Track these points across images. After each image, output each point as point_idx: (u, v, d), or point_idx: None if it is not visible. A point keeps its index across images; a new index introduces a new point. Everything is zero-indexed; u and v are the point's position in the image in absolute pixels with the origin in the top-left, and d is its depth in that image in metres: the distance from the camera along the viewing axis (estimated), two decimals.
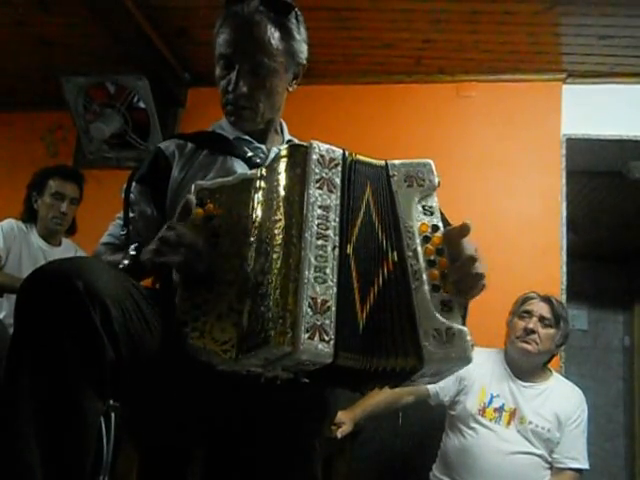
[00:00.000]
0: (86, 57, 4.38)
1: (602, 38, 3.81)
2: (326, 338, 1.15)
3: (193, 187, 1.44)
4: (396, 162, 1.41)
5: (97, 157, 4.67)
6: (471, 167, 4.12)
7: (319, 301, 1.17)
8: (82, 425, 1.16)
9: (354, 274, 1.25)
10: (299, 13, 1.77)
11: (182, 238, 1.33)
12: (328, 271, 1.20)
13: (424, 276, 1.27)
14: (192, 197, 1.40)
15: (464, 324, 1.26)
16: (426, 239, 1.31)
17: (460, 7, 3.66)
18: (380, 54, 4.20)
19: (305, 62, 1.83)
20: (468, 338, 1.22)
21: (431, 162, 1.41)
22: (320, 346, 1.14)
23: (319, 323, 1.15)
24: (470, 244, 1.31)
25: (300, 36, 1.77)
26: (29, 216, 3.86)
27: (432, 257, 1.29)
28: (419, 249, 1.30)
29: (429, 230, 1.33)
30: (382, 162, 1.40)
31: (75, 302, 1.13)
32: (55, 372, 1.13)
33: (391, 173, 1.38)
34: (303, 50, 1.80)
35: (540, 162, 4.09)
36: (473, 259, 1.28)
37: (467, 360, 1.23)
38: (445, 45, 4.04)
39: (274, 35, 1.70)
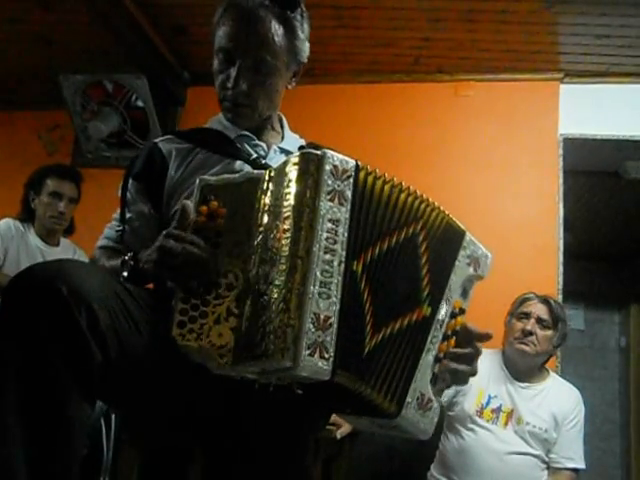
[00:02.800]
0: (84, 55, 4.36)
1: (599, 38, 3.82)
2: (326, 355, 1.15)
3: (197, 181, 1.40)
4: (472, 237, 1.45)
5: (95, 156, 4.65)
6: (468, 166, 4.13)
7: (322, 317, 1.16)
8: (69, 429, 1.15)
9: (366, 295, 1.26)
10: (304, 9, 1.72)
11: (186, 250, 1.30)
12: (333, 287, 1.19)
13: (437, 345, 1.35)
14: (189, 202, 1.36)
15: None
16: (453, 315, 1.39)
17: (458, 6, 3.66)
18: (378, 53, 4.20)
19: (306, 61, 1.78)
20: (437, 418, 1.34)
21: (491, 256, 1.48)
22: (320, 363, 1.15)
23: (320, 340, 1.15)
24: (480, 346, 1.42)
25: (303, 34, 1.72)
26: (27, 215, 3.84)
27: (449, 333, 1.37)
28: (447, 320, 1.37)
29: (458, 310, 1.40)
30: (463, 228, 1.44)
31: (59, 306, 1.12)
32: (40, 376, 1.12)
33: (464, 244, 1.43)
34: (305, 49, 1.75)
35: (537, 162, 4.10)
36: (477, 354, 1.40)
37: (426, 435, 1.35)
38: (443, 44, 4.04)
39: (278, 32, 1.65)
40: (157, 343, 1.30)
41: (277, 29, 1.65)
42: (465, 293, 1.43)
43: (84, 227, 3.91)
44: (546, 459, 2.92)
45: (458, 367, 1.38)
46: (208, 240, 1.33)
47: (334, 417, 2.68)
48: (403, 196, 1.36)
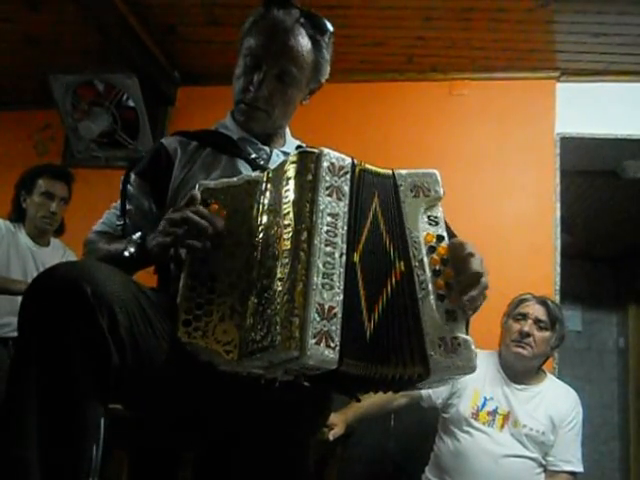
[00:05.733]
0: (75, 55, 4.36)
1: (596, 36, 3.79)
2: (332, 344, 1.17)
3: (197, 186, 1.45)
4: (403, 172, 1.42)
5: (86, 156, 4.64)
6: (464, 166, 4.09)
7: (326, 307, 1.18)
8: (84, 430, 1.17)
9: (360, 282, 1.27)
10: (332, 35, 1.81)
11: (188, 215, 1.34)
12: (335, 278, 1.22)
13: (430, 286, 1.30)
14: (197, 192, 1.42)
15: (467, 333, 1.30)
16: (432, 249, 1.34)
17: (452, 4, 3.64)
18: (371, 52, 4.17)
19: (324, 82, 1.86)
20: (473, 347, 1.26)
21: (437, 173, 1.43)
22: (326, 352, 1.16)
23: (326, 329, 1.17)
24: (476, 256, 1.33)
25: (328, 56, 1.82)
26: (17, 216, 3.81)
27: (437, 267, 1.33)
28: (425, 259, 1.33)
29: (434, 240, 1.35)
30: (389, 171, 1.42)
31: (83, 307, 1.14)
32: (60, 376, 1.14)
33: (398, 183, 1.40)
34: (327, 70, 1.84)
35: (534, 161, 4.07)
36: (479, 275, 1.30)
37: (471, 369, 1.26)
38: (437, 43, 4.01)
39: (307, 48, 1.74)
40: (172, 345, 1.33)
41: (307, 46, 1.75)
42: (433, 221, 1.38)
43: (74, 227, 3.88)
44: (543, 462, 2.89)
45: (467, 295, 1.29)
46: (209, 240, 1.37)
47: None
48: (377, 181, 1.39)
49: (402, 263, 1.31)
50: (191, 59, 4.29)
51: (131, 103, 4.40)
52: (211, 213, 1.38)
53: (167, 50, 4.33)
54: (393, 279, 1.30)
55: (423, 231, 1.36)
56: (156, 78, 4.44)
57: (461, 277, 1.30)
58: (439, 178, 1.42)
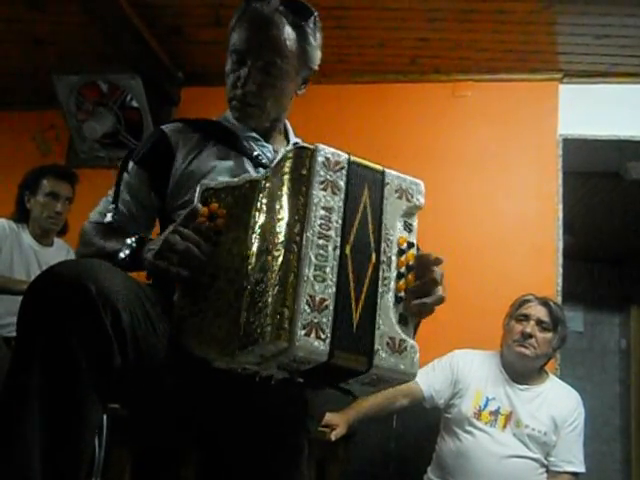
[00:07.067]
0: (78, 55, 4.35)
1: (599, 37, 3.79)
2: (322, 336, 1.15)
3: (198, 187, 1.47)
4: (392, 172, 1.41)
5: (89, 156, 4.63)
6: (466, 167, 4.10)
7: (317, 299, 1.18)
8: (83, 429, 1.17)
9: (351, 275, 1.25)
10: (317, 19, 1.78)
11: (188, 248, 1.34)
12: (328, 270, 1.21)
13: (392, 284, 1.30)
14: (199, 205, 1.43)
15: (414, 339, 1.29)
16: (401, 252, 1.35)
17: (456, 6, 3.64)
18: (374, 53, 4.17)
19: (317, 68, 1.83)
20: (417, 355, 1.25)
21: (422, 183, 1.44)
22: (316, 343, 1.14)
23: (316, 321, 1.16)
24: (439, 270, 1.34)
25: (315, 42, 1.78)
26: (21, 216, 3.81)
27: (402, 270, 1.33)
28: (393, 258, 1.33)
29: (405, 245, 1.36)
30: (380, 167, 1.41)
31: (87, 305, 1.14)
32: (62, 374, 1.13)
33: (386, 180, 1.39)
34: (317, 56, 1.80)
35: (536, 162, 4.07)
36: (435, 283, 1.32)
37: (412, 376, 1.26)
38: (440, 44, 4.01)
39: (290, 37, 1.71)
40: (171, 344, 1.33)
41: (289, 34, 1.71)
42: (407, 227, 1.39)
43: (77, 227, 3.85)
44: (545, 462, 2.91)
45: (420, 301, 1.30)
46: (208, 239, 1.39)
47: (329, 418, 2.69)
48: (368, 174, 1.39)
49: (374, 256, 1.31)
50: (195, 60, 4.29)
51: (135, 104, 4.39)
52: (196, 234, 1.37)
53: (171, 51, 4.32)
54: (369, 271, 1.29)
55: (398, 233, 1.36)
56: (160, 79, 4.44)
57: (419, 282, 1.32)
58: (423, 189, 1.43)
